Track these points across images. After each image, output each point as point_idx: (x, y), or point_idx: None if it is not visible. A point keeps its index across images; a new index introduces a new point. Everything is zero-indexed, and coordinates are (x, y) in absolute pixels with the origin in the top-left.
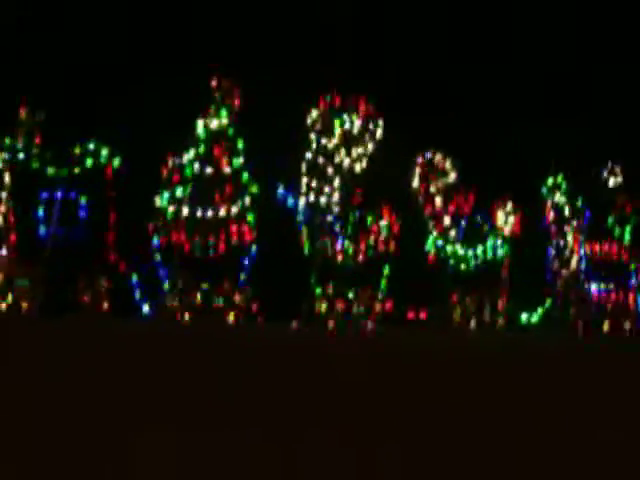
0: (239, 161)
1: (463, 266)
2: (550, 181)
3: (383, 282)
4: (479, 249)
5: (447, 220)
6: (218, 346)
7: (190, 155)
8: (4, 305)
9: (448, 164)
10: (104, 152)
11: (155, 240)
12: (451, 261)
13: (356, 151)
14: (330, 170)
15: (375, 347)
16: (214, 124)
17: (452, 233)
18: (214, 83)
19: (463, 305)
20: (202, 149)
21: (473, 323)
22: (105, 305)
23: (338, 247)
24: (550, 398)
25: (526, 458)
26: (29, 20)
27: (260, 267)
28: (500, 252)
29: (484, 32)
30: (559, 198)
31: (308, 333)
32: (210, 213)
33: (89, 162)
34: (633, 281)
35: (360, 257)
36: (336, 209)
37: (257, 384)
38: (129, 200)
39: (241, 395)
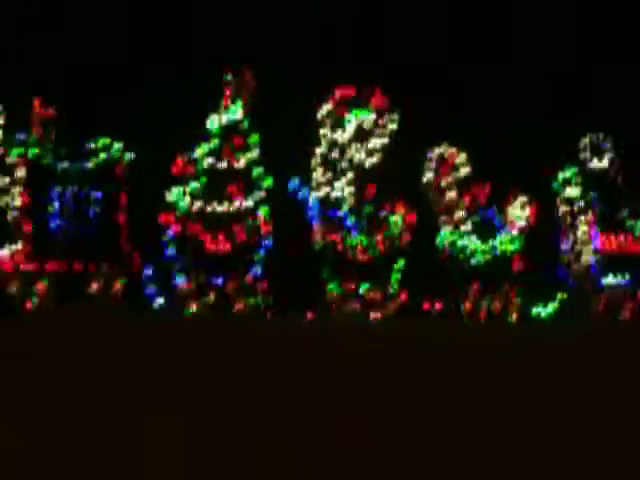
0: (252, 155)
1: (475, 260)
2: (562, 175)
3: (396, 276)
4: (491, 243)
5: (460, 214)
6: (230, 337)
7: (203, 149)
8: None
9: (461, 158)
10: (116, 146)
11: (168, 233)
12: (463, 255)
13: (368, 145)
14: (343, 164)
15: (386, 340)
16: (227, 118)
17: (464, 227)
18: (228, 77)
19: (475, 299)
20: (215, 143)
21: (485, 317)
22: (118, 298)
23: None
24: (563, 394)
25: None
26: (46, 14)
27: (273, 260)
28: (512, 246)
29: (498, 26)
30: (571, 192)
31: (320, 325)
32: (223, 207)
33: (102, 157)
34: None
35: (373, 252)
36: (348, 203)
37: (267, 375)
38: (141, 194)
39: (252, 385)
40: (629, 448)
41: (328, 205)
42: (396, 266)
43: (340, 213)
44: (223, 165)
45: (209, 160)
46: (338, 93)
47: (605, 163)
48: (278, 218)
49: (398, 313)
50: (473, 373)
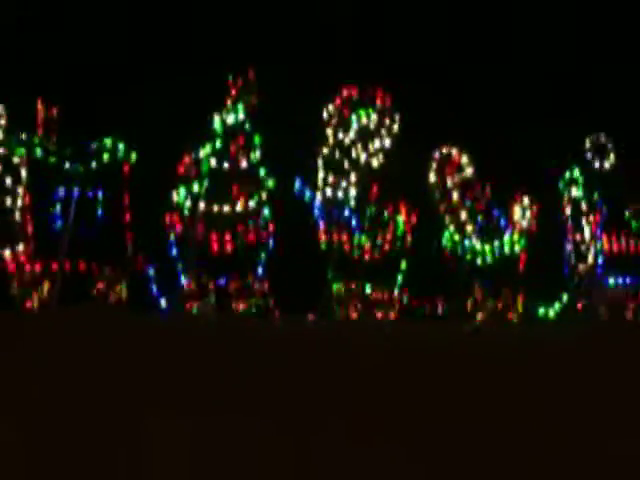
0: (256, 156)
1: (480, 261)
2: (567, 175)
3: (400, 277)
4: (496, 244)
5: (464, 215)
6: (234, 337)
7: (207, 150)
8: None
9: (465, 159)
10: (121, 147)
11: (172, 234)
12: (468, 256)
13: (373, 145)
14: (347, 165)
15: (391, 340)
16: (231, 119)
17: (469, 228)
18: (231, 77)
19: (480, 300)
20: (219, 144)
21: (489, 317)
22: (122, 299)
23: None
24: (567, 394)
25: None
26: (50, 13)
27: (277, 261)
28: (517, 247)
29: (505, 26)
30: (576, 192)
31: (324, 326)
32: (227, 208)
33: (106, 157)
34: None
35: (377, 252)
36: (353, 204)
37: (271, 375)
38: (146, 195)
39: (255, 386)
40: (631, 448)
41: (333, 205)
42: (401, 267)
43: (345, 213)
44: (227, 166)
45: (213, 161)
46: (343, 93)
47: (610, 164)
48: (282, 219)
49: (402, 314)
50: (477, 373)
